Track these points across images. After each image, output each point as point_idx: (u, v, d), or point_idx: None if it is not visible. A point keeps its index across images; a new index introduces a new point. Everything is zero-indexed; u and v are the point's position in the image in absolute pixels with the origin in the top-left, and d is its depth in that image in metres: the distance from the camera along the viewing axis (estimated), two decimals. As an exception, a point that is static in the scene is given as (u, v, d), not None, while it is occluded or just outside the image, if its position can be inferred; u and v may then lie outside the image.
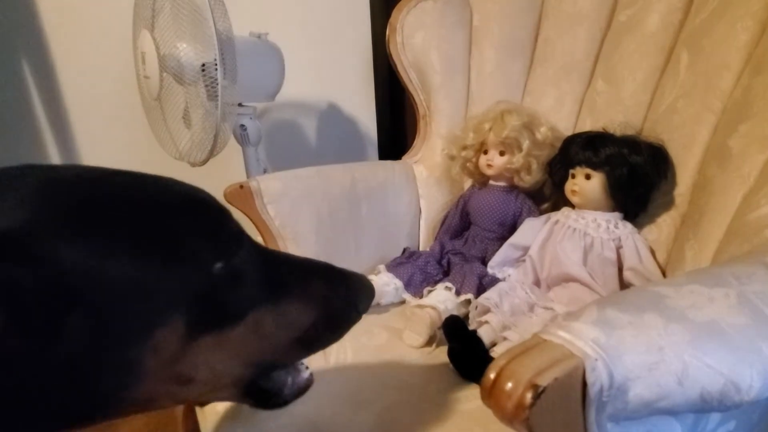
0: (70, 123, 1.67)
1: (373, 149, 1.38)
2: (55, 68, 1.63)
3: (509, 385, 0.28)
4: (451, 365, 0.63)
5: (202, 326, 0.31)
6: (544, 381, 0.27)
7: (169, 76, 0.97)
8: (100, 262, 0.27)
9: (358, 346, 0.69)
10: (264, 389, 0.38)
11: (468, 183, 1.02)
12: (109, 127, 1.60)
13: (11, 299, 0.24)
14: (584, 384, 0.29)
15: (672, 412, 0.33)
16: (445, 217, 0.99)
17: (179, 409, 0.90)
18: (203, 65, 0.94)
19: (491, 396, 0.29)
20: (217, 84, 0.93)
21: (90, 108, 1.63)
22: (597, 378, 0.29)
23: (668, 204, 0.73)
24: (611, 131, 0.76)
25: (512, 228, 0.88)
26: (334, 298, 0.38)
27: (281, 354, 0.37)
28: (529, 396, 0.27)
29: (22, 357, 0.24)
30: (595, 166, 0.73)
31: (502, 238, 0.86)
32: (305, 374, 0.42)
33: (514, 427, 0.28)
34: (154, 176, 0.33)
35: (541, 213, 0.87)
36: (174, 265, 0.29)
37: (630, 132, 0.76)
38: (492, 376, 0.29)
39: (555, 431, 0.29)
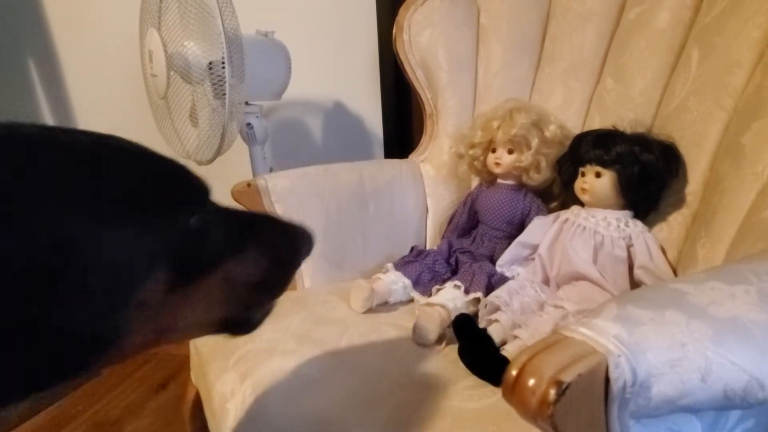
0: (76, 122, 1.67)
1: (379, 148, 1.38)
2: (61, 67, 1.63)
3: (532, 381, 0.28)
4: (461, 363, 0.62)
5: (181, 278, 0.32)
6: (567, 377, 0.27)
7: (176, 74, 0.97)
8: (88, 224, 0.27)
9: (367, 345, 0.68)
10: (235, 322, 0.41)
11: (475, 182, 1.01)
12: (115, 127, 1.60)
13: (3, 264, 0.24)
14: (607, 381, 0.29)
15: (693, 410, 0.33)
16: (453, 216, 0.99)
17: (187, 409, 0.90)
18: (210, 64, 0.94)
19: (513, 392, 0.28)
20: (224, 82, 0.93)
21: (96, 107, 1.64)
22: (620, 374, 0.28)
23: (679, 202, 0.72)
24: (621, 129, 0.76)
25: (520, 227, 0.88)
26: (281, 243, 0.43)
27: (247, 298, 0.40)
28: (552, 392, 0.27)
29: (12, 322, 0.25)
30: (605, 164, 0.73)
31: (511, 237, 0.86)
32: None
33: (538, 424, 0.28)
34: (117, 137, 0.34)
35: (550, 212, 0.87)
36: (155, 221, 0.31)
37: (640, 130, 0.75)
38: (514, 372, 0.29)
39: (578, 428, 0.28)
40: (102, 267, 0.28)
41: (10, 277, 0.24)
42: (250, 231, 0.40)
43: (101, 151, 0.31)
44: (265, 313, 0.45)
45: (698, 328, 0.31)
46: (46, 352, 0.27)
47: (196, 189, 0.36)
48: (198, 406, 0.82)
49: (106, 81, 1.56)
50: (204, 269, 0.35)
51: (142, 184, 0.31)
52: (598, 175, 0.74)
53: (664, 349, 0.30)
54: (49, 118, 1.67)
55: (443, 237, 0.98)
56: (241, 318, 0.42)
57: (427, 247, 1.01)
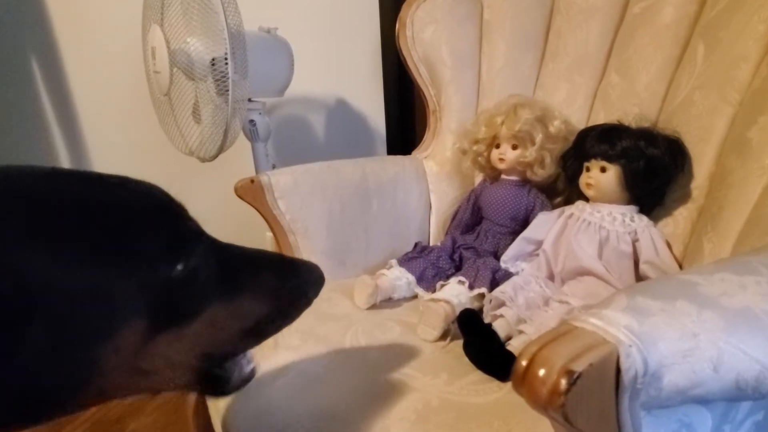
0: (78, 120, 1.67)
1: (381, 144, 1.38)
2: (63, 65, 1.63)
3: (542, 371, 0.27)
4: (466, 359, 0.62)
5: (161, 325, 0.31)
6: (579, 367, 0.27)
7: (179, 71, 0.97)
8: (59, 268, 0.26)
9: (371, 340, 0.68)
10: (216, 376, 0.39)
11: (479, 178, 1.01)
12: (117, 124, 1.60)
13: None
14: (618, 371, 0.28)
15: (704, 401, 0.33)
16: (456, 212, 0.99)
17: (190, 405, 0.90)
18: (213, 60, 0.94)
19: (524, 383, 0.28)
20: (227, 79, 0.92)
21: (99, 104, 1.64)
22: (632, 364, 0.28)
23: (685, 197, 0.72)
24: (626, 124, 0.76)
25: (524, 222, 0.87)
26: (285, 288, 0.40)
27: (234, 345, 0.38)
28: (564, 382, 0.26)
29: None
30: (611, 159, 0.72)
31: (514, 233, 0.86)
32: (250, 366, 0.44)
33: (548, 414, 0.28)
34: (110, 176, 0.32)
35: (554, 207, 0.87)
36: (134, 269, 0.29)
37: (645, 124, 0.75)
38: (524, 362, 0.28)
39: (589, 419, 0.28)
40: (72, 313, 0.27)
41: None
42: (249, 273, 0.38)
43: (86, 191, 0.30)
44: (246, 380, 0.42)
45: (710, 318, 0.31)
46: (11, 394, 0.26)
47: (186, 234, 0.33)
48: (201, 402, 0.82)
49: (109, 78, 1.56)
50: (188, 315, 0.33)
51: (120, 230, 0.30)
52: (603, 170, 0.74)
53: (676, 340, 0.30)
54: (51, 116, 1.67)
55: (447, 233, 0.98)
56: (221, 373, 0.40)
57: (431, 244, 1.00)
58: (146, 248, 0.30)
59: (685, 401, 0.31)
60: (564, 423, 0.27)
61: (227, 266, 0.36)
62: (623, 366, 0.28)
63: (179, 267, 0.31)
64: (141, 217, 0.31)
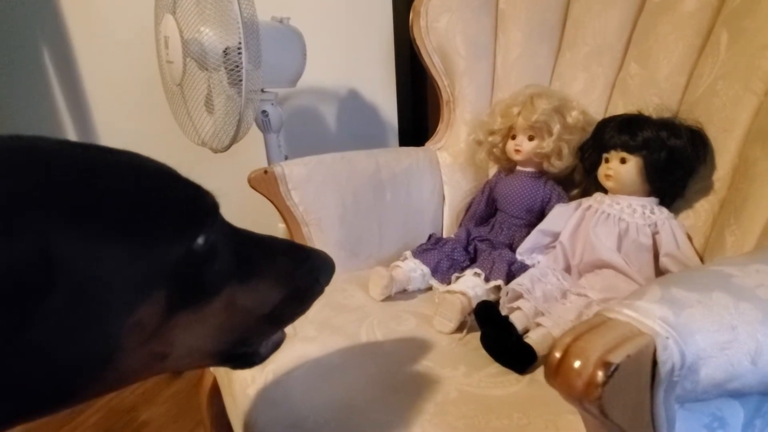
0: (90, 110, 1.67)
1: (393, 136, 1.37)
2: (75, 55, 1.63)
3: (578, 363, 0.27)
4: (483, 351, 0.62)
5: (180, 302, 0.31)
6: (616, 358, 0.26)
7: (192, 61, 0.96)
8: (82, 240, 0.26)
9: (387, 332, 0.68)
10: (240, 354, 0.39)
11: (493, 169, 1.00)
12: (129, 114, 1.61)
13: None
14: (654, 363, 0.28)
15: (739, 395, 0.32)
16: (470, 204, 0.98)
17: (204, 394, 0.91)
18: (226, 50, 0.93)
19: (557, 375, 0.27)
20: (240, 69, 0.92)
21: (110, 95, 1.64)
22: (669, 357, 0.28)
23: (706, 189, 0.71)
24: (647, 114, 0.74)
25: (540, 214, 0.86)
26: (299, 275, 0.40)
27: (252, 330, 0.38)
28: (600, 374, 0.26)
29: None
30: (631, 150, 0.71)
31: (530, 225, 0.85)
32: (278, 333, 0.43)
33: (584, 406, 0.27)
34: (129, 152, 0.32)
35: (571, 199, 0.85)
36: (157, 241, 0.29)
37: (666, 115, 0.74)
38: (558, 354, 0.28)
39: (624, 412, 0.28)
40: (93, 286, 0.26)
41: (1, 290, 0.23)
42: (263, 257, 0.38)
43: (98, 164, 0.30)
44: (274, 347, 0.42)
45: (748, 310, 0.30)
46: (32, 373, 0.26)
47: (204, 209, 0.33)
48: (215, 392, 0.82)
49: (120, 68, 1.56)
50: (207, 294, 0.33)
51: (143, 202, 0.30)
52: (623, 161, 0.72)
53: (713, 332, 0.29)
54: (62, 106, 1.68)
55: (461, 225, 0.97)
56: (247, 350, 0.39)
57: (444, 236, 1.00)
58: (169, 220, 0.30)
59: (721, 395, 0.30)
60: (599, 416, 0.27)
61: (242, 249, 0.36)
62: (660, 358, 0.27)
63: (199, 240, 0.31)
64: (162, 189, 0.31)
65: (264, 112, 1.07)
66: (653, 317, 0.29)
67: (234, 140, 1.01)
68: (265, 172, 0.86)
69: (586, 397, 0.26)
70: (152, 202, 0.30)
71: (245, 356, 0.40)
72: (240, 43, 0.90)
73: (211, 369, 0.85)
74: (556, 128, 0.81)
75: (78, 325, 0.26)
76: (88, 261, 0.26)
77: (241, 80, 0.92)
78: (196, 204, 0.33)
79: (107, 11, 1.53)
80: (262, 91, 1.04)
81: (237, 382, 0.63)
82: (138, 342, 0.29)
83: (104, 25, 1.55)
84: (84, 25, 1.59)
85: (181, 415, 1.13)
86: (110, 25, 1.54)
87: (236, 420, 0.61)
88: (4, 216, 0.24)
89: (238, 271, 0.35)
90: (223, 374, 0.72)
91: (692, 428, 0.32)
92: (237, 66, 0.92)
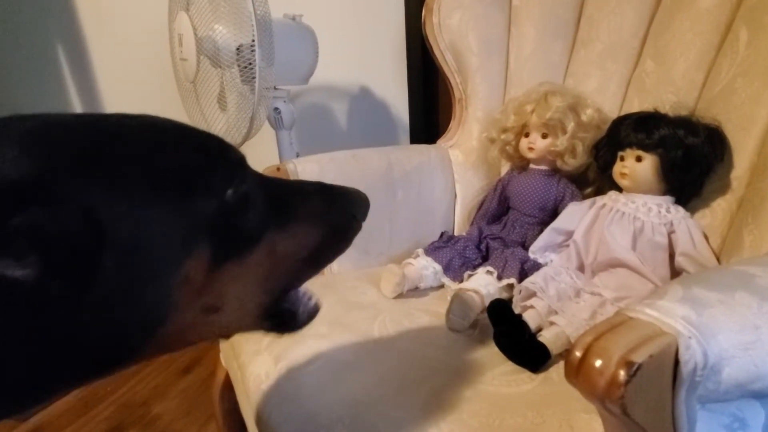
0: (103, 107, 1.69)
1: (404, 133, 1.37)
2: (89, 52, 1.64)
3: (599, 362, 0.27)
4: (496, 349, 0.62)
5: (223, 253, 0.32)
6: (638, 358, 0.26)
7: (205, 58, 0.97)
8: (125, 203, 0.27)
9: (400, 329, 0.68)
10: (284, 310, 0.40)
11: (505, 167, 1.00)
12: (142, 111, 1.61)
13: (42, 244, 0.23)
14: (676, 363, 0.28)
15: (761, 395, 0.32)
16: (482, 202, 0.97)
17: (216, 389, 0.91)
18: (239, 47, 0.94)
19: (579, 374, 0.27)
20: (253, 66, 0.92)
21: (123, 92, 1.65)
22: (691, 356, 0.27)
23: (724, 188, 0.70)
24: (663, 112, 0.73)
25: (553, 213, 0.86)
26: (334, 214, 0.40)
27: (295, 275, 0.39)
28: (623, 373, 0.26)
29: (60, 301, 0.25)
30: (647, 148, 0.70)
31: (543, 223, 0.84)
32: (313, 301, 0.44)
33: (606, 405, 0.27)
34: (149, 116, 0.33)
35: (584, 198, 0.85)
36: (191, 197, 0.30)
37: (683, 113, 0.73)
38: (579, 353, 0.28)
39: (646, 411, 0.27)
40: (140, 245, 0.27)
41: (57, 257, 0.24)
42: (296, 201, 0.38)
43: (123, 130, 0.31)
44: (310, 317, 0.43)
45: (772, 310, 0.30)
46: (96, 332, 0.27)
47: (231, 161, 0.34)
48: (227, 387, 0.82)
49: (134, 65, 1.57)
50: (248, 243, 0.34)
51: (174, 160, 0.31)
52: (638, 159, 0.72)
53: (736, 332, 0.29)
54: (76, 102, 1.70)
55: (472, 223, 0.97)
56: (291, 307, 0.41)
57: (456, 234, 0.99)
58: (198, 176, 0.31)
59: (743, 395, 0.30)
60: (621, 415, 0.27)
61: (275, 196, 0.37)
62: (682, 358, 0.27)
63: (230, 191, 0.32)
64: (188, 147, 0.32)
65: (276, 109, 1.08)
66: (675, 317, 0.29)
67: (246, 137, 1.01)
68: (278, 168, 0.86)
69: (608, 397, 0.26)
70: (179, 160, 0.31)
71: (287, 316, 0.41)
72: (253, 40, 0.90)
73: (224, 365, 0.86)
74: (570, 126, 0.80)
75: (132, 283, 0.27)
76: (129, 221, 0.27)
77: (254, 77, 0.93)
78: (221, 157, 0.34)
79: (121, 8, 1.55)
80: (275, 88, 1.05)
81: (251, 377, 0.63)
82: (190, 297, 0.31)
83: (118, 22, 1.56)
84: (98, 23, 1.60)
85: (193, 409, 1.14)
86: (124, 22, 1.55)
87: (249, 415, 0.62)
88: (48, 188, 0.25)
89: (274, 218, 0.36)
90: (236, 369, 0.73)
91: (712, 428, 0.32)
92: (250, 63, 0.93)
